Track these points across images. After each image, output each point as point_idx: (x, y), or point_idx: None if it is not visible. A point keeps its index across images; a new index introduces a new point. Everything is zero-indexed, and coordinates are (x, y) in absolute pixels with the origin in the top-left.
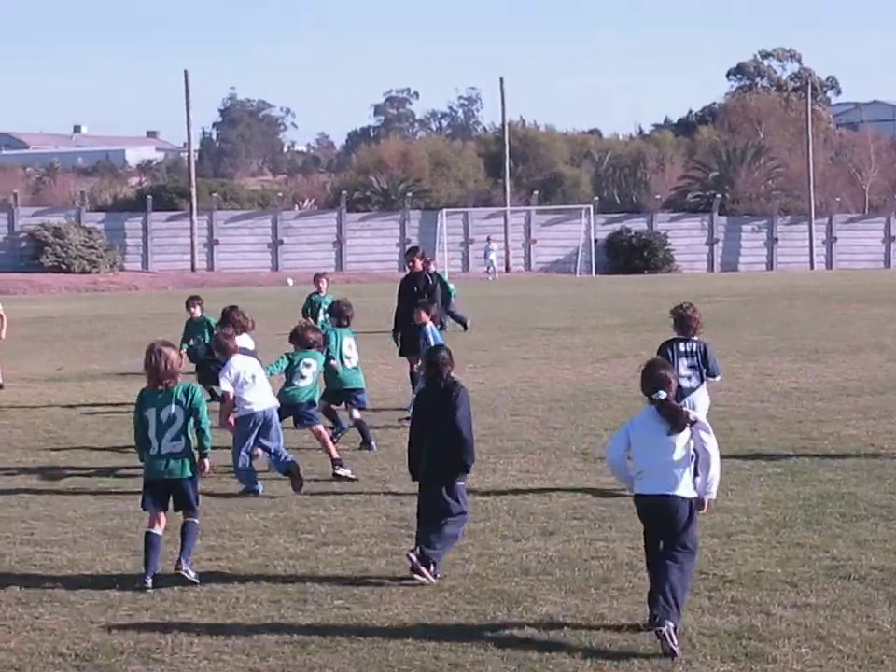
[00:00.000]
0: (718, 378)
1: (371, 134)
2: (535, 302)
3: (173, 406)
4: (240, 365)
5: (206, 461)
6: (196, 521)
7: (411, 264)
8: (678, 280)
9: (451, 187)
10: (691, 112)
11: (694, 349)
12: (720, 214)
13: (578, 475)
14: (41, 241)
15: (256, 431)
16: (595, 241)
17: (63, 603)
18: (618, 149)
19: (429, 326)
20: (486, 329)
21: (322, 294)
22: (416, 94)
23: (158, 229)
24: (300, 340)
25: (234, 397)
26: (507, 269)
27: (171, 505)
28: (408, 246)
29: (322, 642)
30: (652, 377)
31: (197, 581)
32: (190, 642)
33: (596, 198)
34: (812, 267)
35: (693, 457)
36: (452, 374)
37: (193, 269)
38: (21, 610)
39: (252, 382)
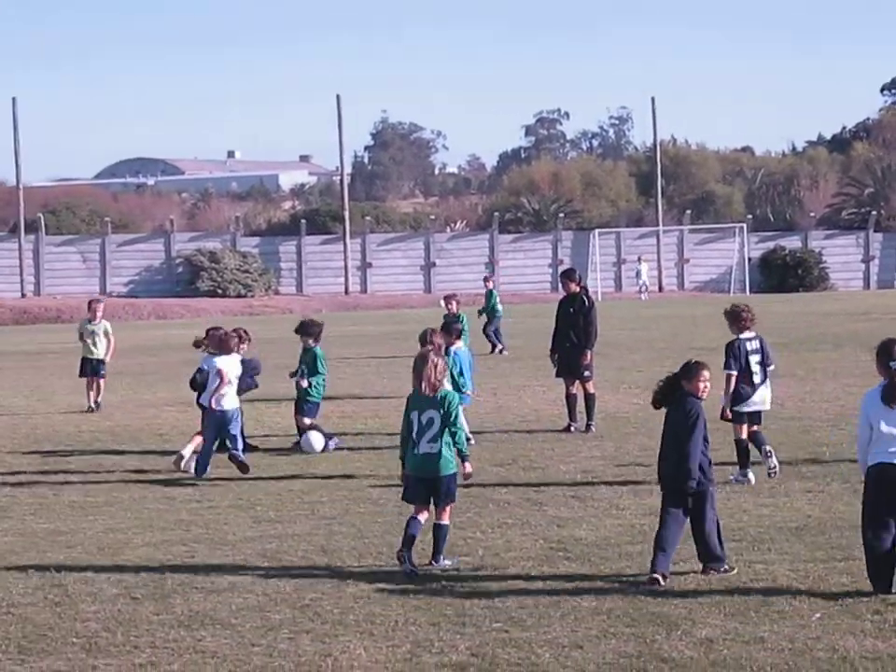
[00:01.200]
0: (772, 367)
1: (522, 155)
2: (689, 322)
3: (432, 410)
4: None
5: (466, 464)
6: (446, 523)
7: (566, 286)
8: (833, 298)
9: (602, 207)
10: (844, 128)
11: (757, 345)
12: (875, 231)
13: (735, 496)
14: (197, 265)
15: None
16: (749, 259)
17: (224, 626)
18: (770, 167)
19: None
20: (640, 349)
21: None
22: (567, 115)
23: (311, 252)
24: None
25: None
26: (660, 289)
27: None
28: (561, 268)
29: (481, 665)
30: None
31: (457, 566)
32: (350, 665)
33: (749, 216)
34: None
35: None
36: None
37: (347, 292)
38: (183, 633)
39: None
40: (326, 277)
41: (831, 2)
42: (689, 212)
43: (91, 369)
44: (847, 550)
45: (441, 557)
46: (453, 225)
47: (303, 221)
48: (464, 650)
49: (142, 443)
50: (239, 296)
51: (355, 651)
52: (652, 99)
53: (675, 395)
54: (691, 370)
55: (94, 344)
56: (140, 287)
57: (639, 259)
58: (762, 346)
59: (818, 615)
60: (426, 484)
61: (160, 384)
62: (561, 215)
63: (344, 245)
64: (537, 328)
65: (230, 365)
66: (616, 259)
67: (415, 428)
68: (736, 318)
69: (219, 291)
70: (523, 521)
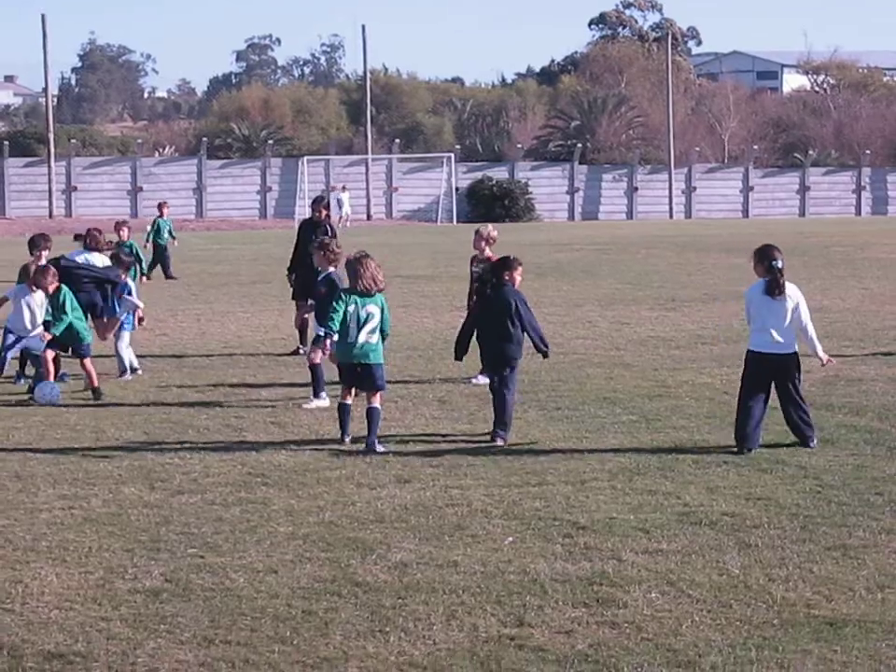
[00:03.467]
0: None
1: (233, 81)
2: (395, 250)
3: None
4: None
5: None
6: (378, 406)
7: (318, 213)
8: (538, 229)
9: (313, 134)
10: (553, 61)
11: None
12: (580, 163)
13: (434, 423)
14: None
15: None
16: (457, 189)
17: None
18: (480, 98)
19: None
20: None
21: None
22: (278, 41)
23: (15, 175)
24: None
25: None
26: (368, 217)
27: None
28: (270, 195)
29: (175, 591)
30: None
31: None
32: (41, 591)
33: (458, 146)
34: (671, 216)
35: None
36: None
37: (51, 215)
38: None
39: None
40: (30, 200)
41: None
42: (398, 141)
43: None
44: (541, 475)
45: (376, 441)
46: (161, 150)
47: (6, 143)
48: (158, 575)
49: None
50: None
51: (46, 577)
52: (363, 27)
53: (495, 284)
54: (511, 263)
55: None
56: None
57: (343, 188)
58: None
59: (510, 539)
60: (356, 371)
61: None
62: (271, 141)
63: (49, 167)
64: (244, 254)
65: None
66: (325, 187)
67: (353, 321)
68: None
69: None
70: (222, 446)
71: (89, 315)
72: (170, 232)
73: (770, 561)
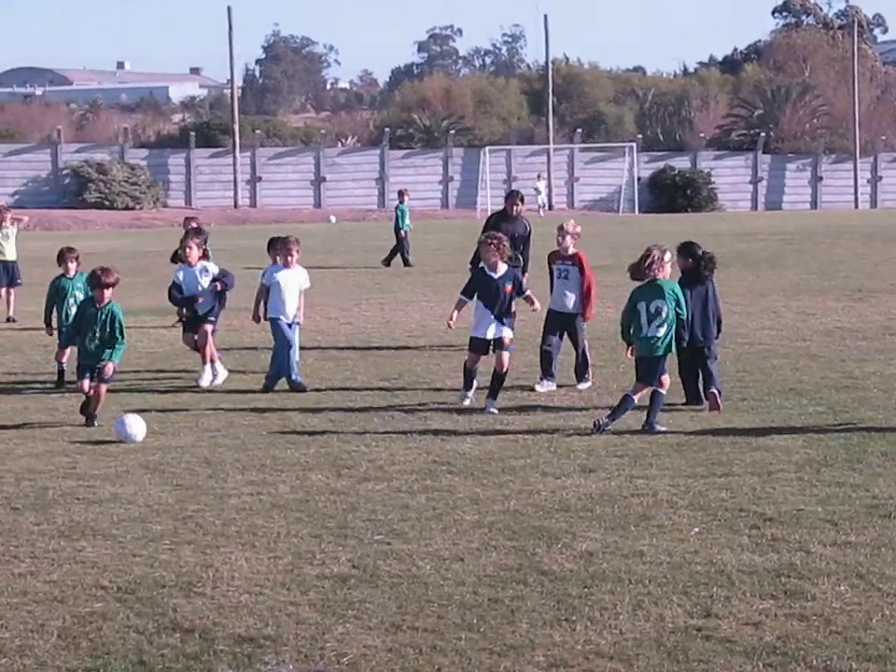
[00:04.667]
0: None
1: (415, 72)
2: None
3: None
4: None
5: None
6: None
7: (511, 206)
8: (721, 219)
9: (494, 124)
10: (736, 50)
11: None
12: (764, 152)
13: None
14: (85, 177)
15: None
16: (639, 179)
17: (105, 536)
18: (662, 87)
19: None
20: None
21: None
22: (460, 31)
23: (201, 165)
24: None
25: None
26: (550, 207)
27: None
28: (452, 185)
29: (362, 577)
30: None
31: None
32: (231, 576)
33: (640, 136)
34: (857, 206)
35: None
36: None
37: (236, 205)
38: (63, 543)
39: None
40: (215, 191)
41: None
42: (580, 131)
43: (5, 276)
44: (727, 466)
45: (654, 422)
46: (344, 140)
47: (193, 134)
48: (345, 561)
49: (25, 354)
50: (127, 208)
51: (236, 562)
52: (545, 17)
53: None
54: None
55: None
56: (26, 197)
57: (539, 177)
58: None
59: (696, 529)
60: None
61: (44, 295)
62: (452, 132)
63: (234, 158)
64: (426, 244)
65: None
66: (507, 177)
67: (644, 317)
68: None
69: (107, 203)
70: (407, 435)
71: None
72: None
73: None
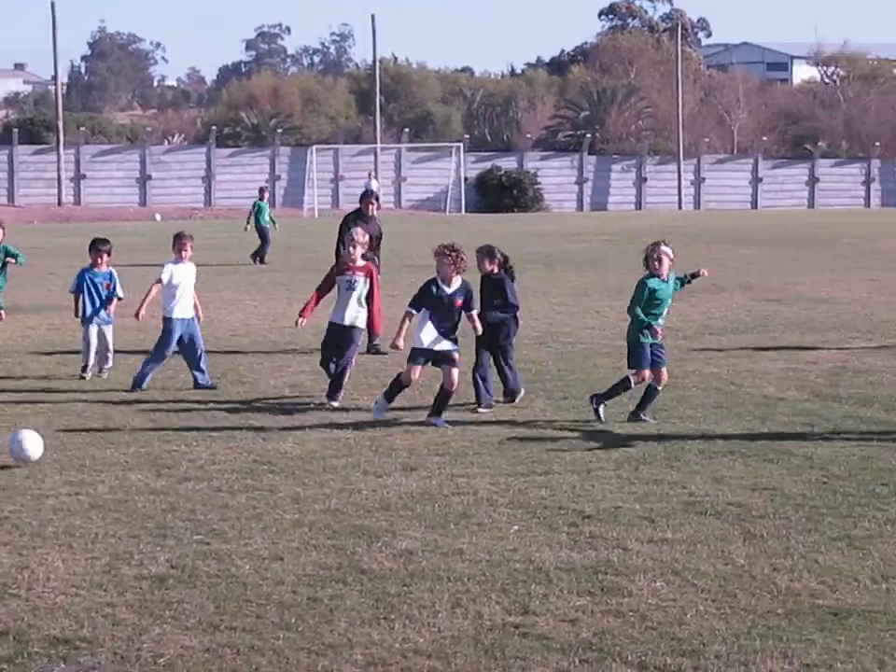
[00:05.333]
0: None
1: (243, 70)
2: (404, 240)
3: None
4: None
5: None
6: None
7: (366, 206)
8: (547, 219)
9: (322, 123)
10: (563, 51)
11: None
12: (589, 153)
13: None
14: None
15: None
16: (466, 179)
17: None
18: (490, 88)
19: None
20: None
21: None
22: (288, 30)
23: (24, 162)
24: None
25: None
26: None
27: None
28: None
29: (180, 577)
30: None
31: None
32: (47, 577)
33: (467, 136)
34: (680, 207)
35: None
36: None
37: (60, 203)
38: None
39: None
40: (39, 188)
41: None
42: (407, 130)
43: None
44: (548, 464)
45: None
46: (170, 138)
47: (16, 130)
48: (164, 561)
49: None
50: None
51: (52, 563)
52: (372, 16)
53: None
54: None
55: None
56: None
57: (370, 176)
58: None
59: (515, 527)
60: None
61: None
62: (279, 130)
63: (58, 155)
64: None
65: None
66: (334, 176)
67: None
68: None
69: None
70: (228, 434)
71: None
72: (270, 218)
73: (775, 551)
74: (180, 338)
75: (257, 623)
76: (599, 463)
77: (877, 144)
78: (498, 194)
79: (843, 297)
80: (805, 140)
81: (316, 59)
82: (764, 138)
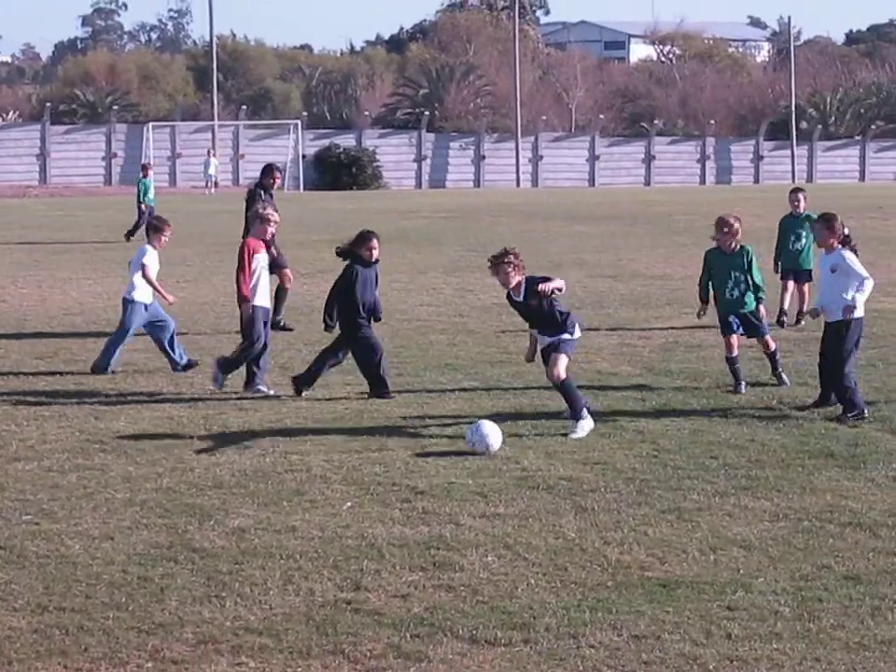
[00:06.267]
0: None
1: (79, 46)
2: (240, 217)
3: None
4: None
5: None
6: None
7: (271, 180)
8: (385, 196)
9: (159, 101)
10: (402, 29)
11: None
12: (428, 131)
13: (276, 389)
14: None
15: None
16: (304, 157)
17: None
18: (329, 65)
19: None
20: (191, 243)
21: None
22: (125, 6)
23: None
24: None
25: None
26: (216, 184)
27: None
28: (115, 161)
29: (9, 558)
30: None
31: None
32: None
33: (306, 114)
34: (518, 185)
35: None
36: None
37: None
38: None
39: None
40: None
41: None
42: (245, 108)
43: None
44: (382, 441)
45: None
46: (4, 115)
47: None
48: None
49: None
50: None
51: None
52: None
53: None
54: (362, 237)
55: None
56: None
57: (209, 153)
58: None
59: (349, 504)
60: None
61: None
62: (116, 108)
63: None
64: (88, 221)
65: None
66: (171, 154)
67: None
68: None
69: None
70: (60, 413)
71: None
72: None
73: (606, 524)
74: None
75: (86, 604)
76: (433, 439)
77: (712, 122)
78: (337, 172)
79: (676, 273)
80: (641, 118)
81: (154, 36)
82: (601, 116)
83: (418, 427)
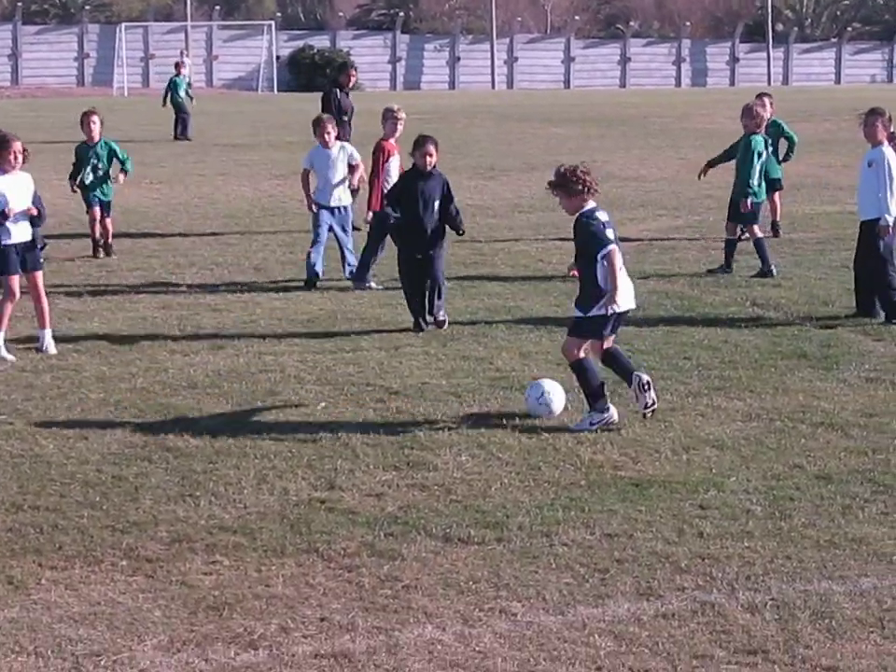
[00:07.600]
0: None
1: None
2: (215, 119)
3: None
4: None
5: None
6: None
7: (346, 79)
8: (360, 98)
9: (132, 1)
10: None
11: None
12: (403, 32)
13: (250, 290)
14: None
15: None
16: (278, 58)
17: None
18: None
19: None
20: (164, 145)
21: None
22: None
23: None
24: None
25: None
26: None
27: None
28: (88, 62)
29: None
30: None
31: None
32: None
33: (280, 14)
34: (493, 87)
35: None
36: None
37: None
38: None
39: None
40: None
41: None
42: (219, 8)
43: None
44: (355, 341)
45: None
46: None
47: None
48: None
49: None
50: None
51: None
52: None
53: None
54: (417, 142)
55: None
56: None
57: (182, 54)
58: None
59: (323, 404)
60: None
61: None
62: (88, 7)
63: None
64: (60, 122)
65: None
66: (144, 55)
67: None
68: None
69: None
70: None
71: None
72: (187, 92)
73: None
74: None
75: (61, 503)
76: (407, 340)
77: (688, 24)
78: (311, 73)
79: (651, 175)
80: (617, 20)
81: None
82: (577, 17)
83: (392, 328)
